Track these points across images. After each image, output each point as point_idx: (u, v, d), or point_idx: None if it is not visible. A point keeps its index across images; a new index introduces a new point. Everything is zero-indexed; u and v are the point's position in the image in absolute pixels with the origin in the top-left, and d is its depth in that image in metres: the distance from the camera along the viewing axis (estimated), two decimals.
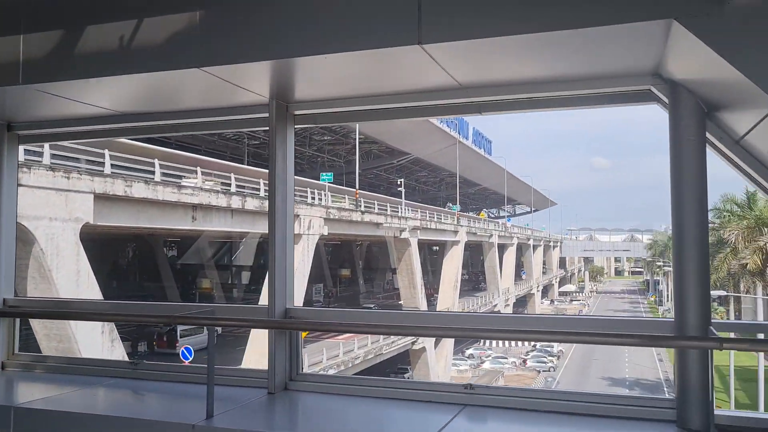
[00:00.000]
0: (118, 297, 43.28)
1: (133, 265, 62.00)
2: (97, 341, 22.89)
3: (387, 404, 4.50)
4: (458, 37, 3.53)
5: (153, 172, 27.12)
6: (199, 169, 29.86)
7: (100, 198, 23.22)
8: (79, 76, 4.35)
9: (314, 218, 36.61)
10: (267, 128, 4.78)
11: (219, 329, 39.97)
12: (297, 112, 4.92)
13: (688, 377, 3.83)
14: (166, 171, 28.33)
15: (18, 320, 5.84)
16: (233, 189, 31.44)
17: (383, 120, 4.90)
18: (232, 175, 31.83)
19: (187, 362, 29.22)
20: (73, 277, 22.35)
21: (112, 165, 24.67)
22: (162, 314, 5.74)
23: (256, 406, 4.47)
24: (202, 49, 4.03)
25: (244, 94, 4.59)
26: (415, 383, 4.80)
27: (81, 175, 22.45)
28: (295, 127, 4.96)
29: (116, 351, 23.75)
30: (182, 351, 30.34)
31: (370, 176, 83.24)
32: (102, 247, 35.72)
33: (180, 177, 29.53)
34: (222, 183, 31.61)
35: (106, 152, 24.21)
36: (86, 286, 22.71)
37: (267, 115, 4.77)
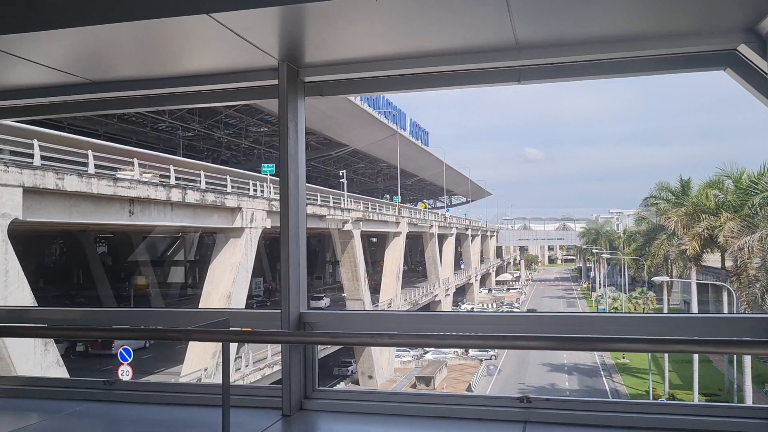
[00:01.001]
0: (46, 298, 40.95)
1: (61, 264, 59.00)
2: (29, 345, 21.14)
3: (428, 425, 3.78)
4: None
5: (86, 164, 25.36)
6: (136, 161, 28.16)
7: (30, 192, 21.47)
8: (39, 27, 3.38)
9: (257, 211, 35.39)
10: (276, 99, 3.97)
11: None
12: (308, 79, 4.12)
13: None
14: (99, 163, 26.57)
15: None
16: (173, 181, 29.86)
17: (410, 91, 4.15)
18: (172, 167, 30.23)
19: (126, 363, 27.75)
20: (1, 277, 20.59)
21: (41, 157, 22.85)
22: (172, 329, 4.74)
23: None
24: None
25: (253, 53, 3.75)
26: (456, 397, 4.09)
27: (8, 167, 20.67)
28: (306, 97, 4.17)
29: (50, 355, 22.06)
30: (120, 352, 28.71)
31: (307, 168, 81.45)
32: (26, 243, 33.47)
33: (115, 169, 27.79)
34: (161, 175, 29.99)
35: (35, 143, 22.40)
36: (15, 288, 20.94)
37: (276, 82, 3.96)
